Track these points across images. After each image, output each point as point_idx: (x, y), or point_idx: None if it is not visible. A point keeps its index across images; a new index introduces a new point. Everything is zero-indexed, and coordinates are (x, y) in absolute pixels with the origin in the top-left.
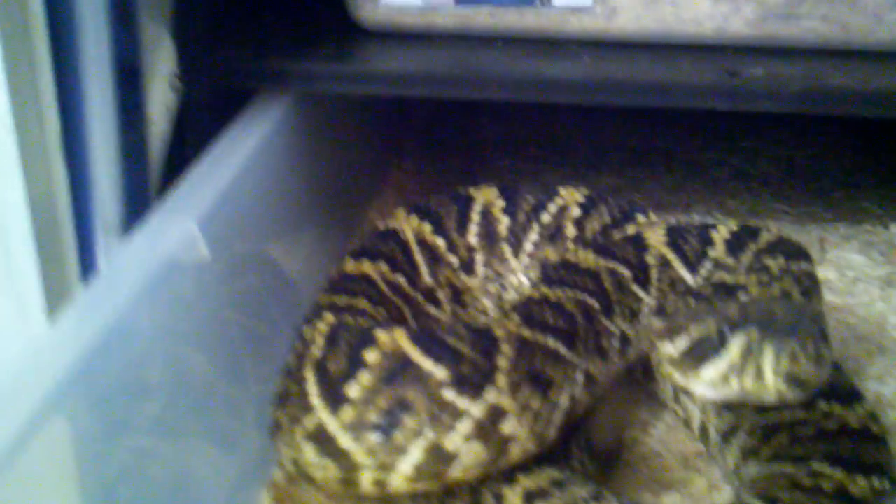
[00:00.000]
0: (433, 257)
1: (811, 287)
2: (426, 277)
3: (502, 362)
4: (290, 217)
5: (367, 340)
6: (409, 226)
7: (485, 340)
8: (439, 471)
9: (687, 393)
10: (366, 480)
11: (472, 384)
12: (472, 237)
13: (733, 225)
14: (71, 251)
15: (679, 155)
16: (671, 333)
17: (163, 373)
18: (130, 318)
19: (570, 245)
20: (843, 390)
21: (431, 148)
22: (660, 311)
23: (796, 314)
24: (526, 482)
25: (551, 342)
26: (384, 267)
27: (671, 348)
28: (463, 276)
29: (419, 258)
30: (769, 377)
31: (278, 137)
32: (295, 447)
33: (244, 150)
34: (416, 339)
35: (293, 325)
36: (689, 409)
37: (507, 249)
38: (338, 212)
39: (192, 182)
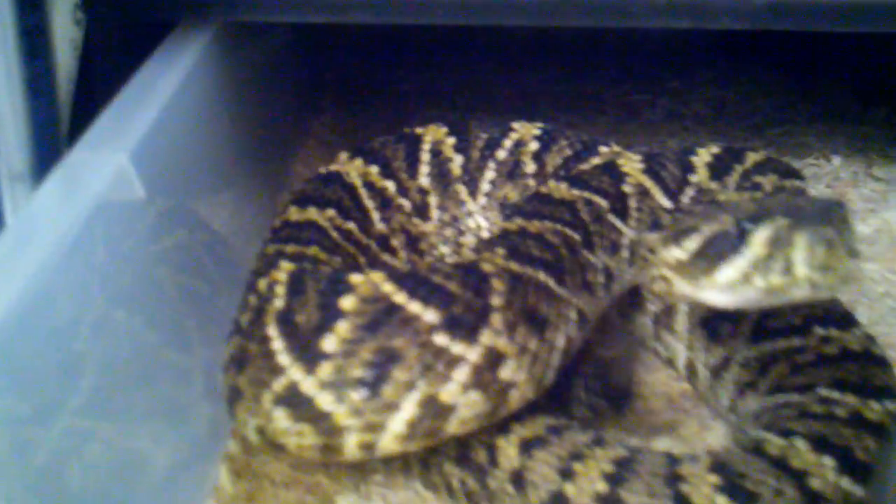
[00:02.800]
0: (384, 202)
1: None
2: (378, 223)
3: (496, 300)
4: (217, 164)
5: (342, 286)
6: (353, 169)
7: (474, 277)
8: (435, 427)
9: (671, 331)
10: (350, 445)
11: (465, 326)
12: (424, 178)
13: (714, 147)
14: None
15: (610, 99)
16: (678, 236)
17: (93, 341)
18: (48, 278)
19: (531, 182)
20: (837, 314)
21: (351, 101)
22: (654, 225)
23: (824, 205)
24: (521, 431)
25: (542, 276)
26: (332, 213)
27: (678, 252)
28: (417, 221)
29: (369, 203)
30: (801, 269)
31: (202, 72)
32: (262, 414)
33: (170, 83)
34: (399, 281)
35: (233, 282)
36: (672, 347)
37: (462, 190)
38: (262, 163)
39: (115, 116)
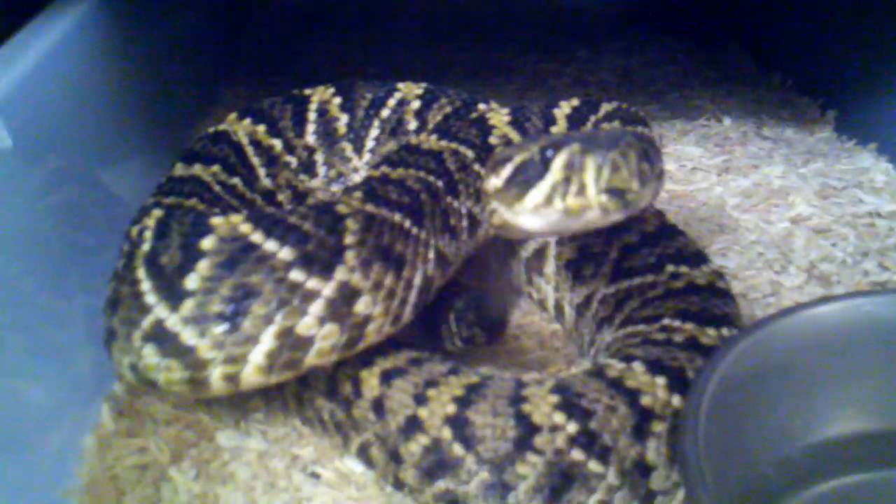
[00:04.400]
0: (270, 159)
1: (649, 146)
2: (264, 180)
3: (349, 238)
4: (111, 126)
5: (202, 228)
6: (241, 128)
7: (328, 217)
8: (294, 358)
9: (541, 274)
10: (215, 377)
11: (320, 263)
12: (311, 137)
13: (575, 101)
14: None
15: (518, 68)
16: (495, 166)
17: None
18: None
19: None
20: (689, 252)
21: (264, 71)
22: (488, 160)
23: (619, 133)
24: (383, 363)
25: (398, 217)
26: (217, 168)
27: (496, 180)
28: (303, 177)
29: (255, 160)
30: (591, 190)
31: (85, 33)
32: (133, 352)
33: (47, 41)
34: (256, 221)
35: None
36: (542, 289)
37: (347, 147)
38: (165, 128)
39: None
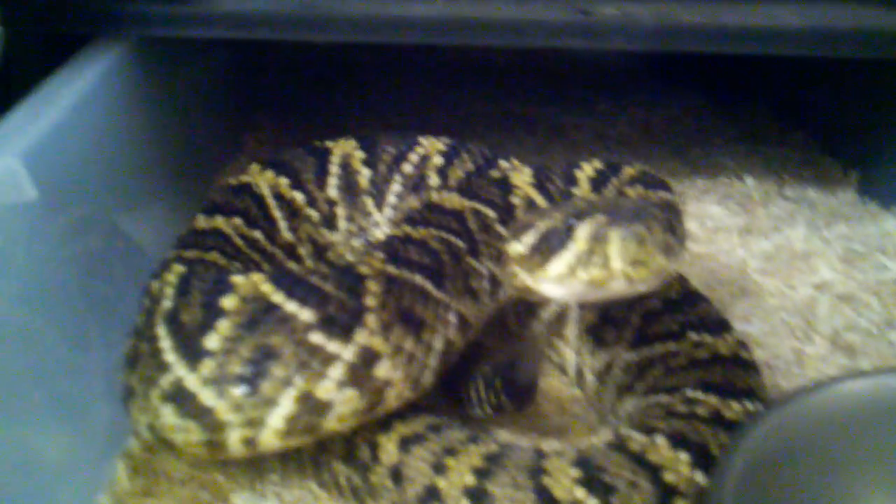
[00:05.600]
0: (291, 212)
1: (671, 214)
2: (285, 233)
3: (370, 301)
4: (137, 176)
5: (223, 286)
6: (263, 180)
7: (350, 279)
8: (313, 423)
9: (562, 337)
10: (233, 440)
11: (340, 325)
12: (333, 190)
13: (598, 163)
14: None
15: (540, 120)
16: (518, 231)
17: None
18: None
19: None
20: (711, 321)
21: (287, 118)
22: (511, 224)
23: (643, 205)
24: (402, 428)
25: (419, 279)
26: (238, 221)
27: (518, 246)
28: (324, 231)
29: (276, 213)
30: (616, 262)
31: (113, 84)
32: (151, 411)
33: (74, 91)
34: (277, 281)
35: (141, 287)
36: (563, 353)
37: (369, 202)
38: (188, 178)
39: (12, 121)
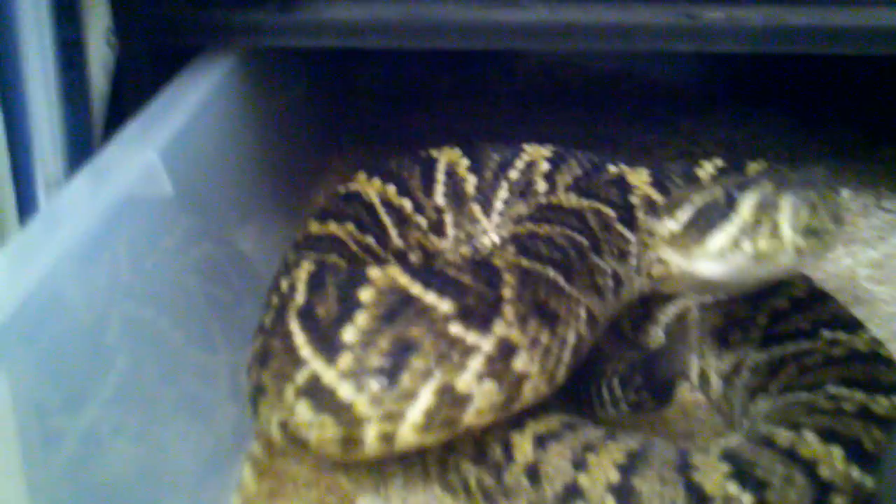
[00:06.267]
0: (400, 219)
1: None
2: (396, 239)
3: (507, 292)
4: (241, 184)
5: (359, 279)
6: (371, 188)
7: (486, 270)
8: (452, 416)
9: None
10: (371, 435)
11: (479, 316)
12: (440, 197)
13: (719, 161)
14: (9, 205)
15: (622, 140)
16: (671, 209)
17: (121, 335)
18: (74, 267)
19: (543, 201)
20: (844, 318)
21: (370, 139)
22: (653, 210)
23: (810, 174)
24: (536, 426)
25: (551, 273)
26: (352, 227)
27: (671, 223)
28: (433, 238)
29: (386, 220)
30: (787, 231)
31: (225, 93)
32: (284, 407)
33: (197, 95)
34: (414, 273)
35: (255, 296)
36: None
37: (476, 209)
38: (285, 193)
39: (145, 120)
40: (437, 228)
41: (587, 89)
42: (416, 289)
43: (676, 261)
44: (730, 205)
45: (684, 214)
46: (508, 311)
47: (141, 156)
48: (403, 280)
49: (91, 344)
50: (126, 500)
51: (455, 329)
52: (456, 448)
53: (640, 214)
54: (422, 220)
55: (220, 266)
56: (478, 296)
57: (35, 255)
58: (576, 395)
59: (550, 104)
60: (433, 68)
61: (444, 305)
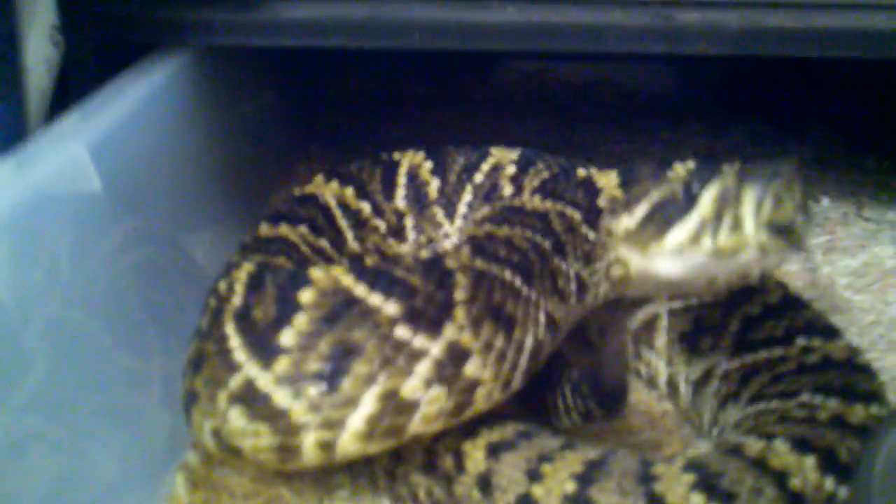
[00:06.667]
0: (358, 222)
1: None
2: (352, 242)
3: (459, 294)
4: (190, 188)
5: (300, 280)
6: (329, 190)
7: (436, 271)
8: (397, 424)
9: (651, 347)
10: (309, 444)
11: (428, 319)
12: (400, 201)
13: (691, 163)
14: None
15: (599, 149)
16: (627, 204)
17: (43, 338)
18: None
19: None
20: (820, 326)
21: (338, 148)
22: (616, 200)
23: (776, 166)
24: (489, 435)
25: (508, 275)
26: (304, 230)
27: (628, 220)
28: (392, 242)
29: (342, 223)
30: (749, 225)
31: (174, 91)
32: (217, 415)
33: (138, 93)
34: (359, 273)
35: (199, 299)
36: (653, 364)
37: (438, 212)
38: (241, 198)
39: (77, 114)
40: (397, 232)
41: (564, 97)
42: (360, 290)
43: (635, 260)
44: (689, 199)
45: (641, 210)
46: (460, 313)
47: (68, 149)
48: (347, 280)
49: (7, 346)
50: None
51: (401, 332)
52: (405, 458)
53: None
54: (380, 224)
55: (162, 270)
56: (427, 298)
57: None
58: (535, 404)
59: (527, 112)
60: (408, 75)
61: (390, 307)
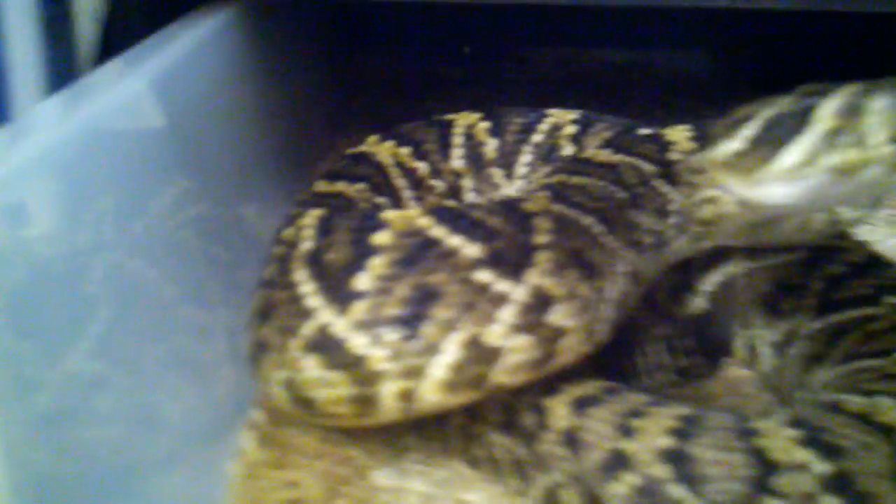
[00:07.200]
0: (415, 182)
1: None
2: (409, 203)
3: (541, 238)
4: (239, 144)
5: (374, 222)
6: (384, 150)
7: (516, 214)
8: (479, 374)
9: None
10: (387, 394)
11: (510, 263)
12: (457, 161)
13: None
14: None
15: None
16: (731, 128)
17: (105, 284)
18: (44, 191)
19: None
20: None
21: (377, 123)
22: (714, 124)
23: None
24: (573, 390)
25: (588, 221)
26: (362, 187)
27: (732, 144)
28: (450, 203)
29: (399, 182)
30: (877, 138)
31: (223, 44)
32: (289, 364)
33: (189, 42)
34: (436, 214)
35: (256, 260)
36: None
37: (497, 173)
38: (287, 160)
39: (133, 56)
40: (455, 193)
41: (602, 80)
42: (438, 231)
43: (737, 189)
44: (804, 115)
45: (749, 131)
46: (543, 258)
47: (127, 83)
48: (424, 222)
49: (68, 288)
50: (110, 460)
51: (483, 275)
52: (481, 417)
53: (681, 169)
54: (438, 184)
55: (219, 226)
56: (508, 240)
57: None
58: (608, 367)
59: (564, 95)
60: (445, 57)
61: (471, 249)
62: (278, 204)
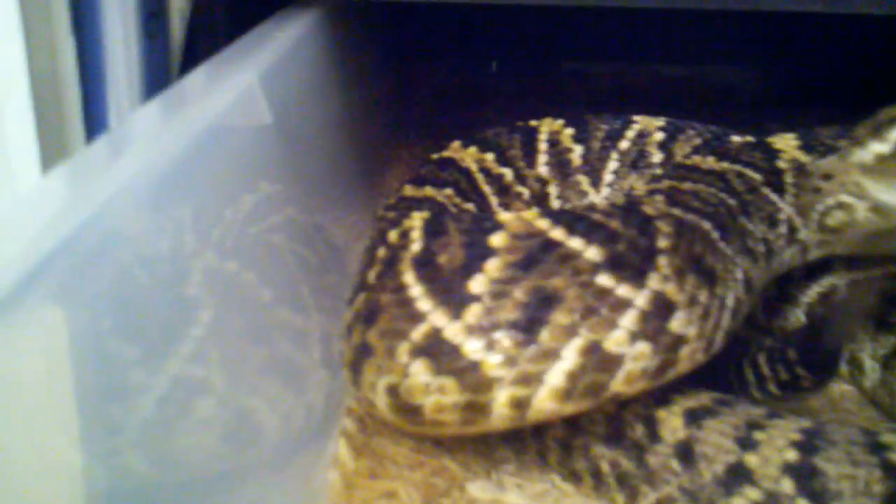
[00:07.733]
0: (501, 188)
1: None
2: (497, 209)
3: (662, 242)
4: (319, 153)
5: (489, 223)
6: (468, 155)
7: (636, 217)
8: (598, 382)
9: None
10: (500, 402)
11: (631, 267)
12: (542, 168)
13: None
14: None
15: None
16: (878, 129)
17: (203, 286)
18: (148, 192)
19: (660, 172)
20: None
21: (435, 134)
22: (828, 152)
23: None
24: (685, 402)
25: (706, 226)
26: (450, 192)
27: (879, 146)
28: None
29: (486, 188)
30: None
31: (315, 42)
32: (395, 370)
33: (283, 43)
34: (555, 216)
35: (339, 266)
36: None
37: (583, 180)
38: (358, 169)
39: (232, 54)
40: (541, 200)
41: (658, 94)
42: (557, 233)
43: (877, 195)
44: None
45: None
46: (664, 262)
47: (236, 80)
48: (542, 224)
49: (172, 294)
50: (207, 467)
51: (604, 280)
52: (584, 428)
53: (790, 178)
54: (524, 190)
55: (305, 231)
56: (629, 244)
57: (97, 178)
58: (704, 380)
59: (620, 109)
60: (501, 69)
61: (592, 252)
62: (348, 211)
